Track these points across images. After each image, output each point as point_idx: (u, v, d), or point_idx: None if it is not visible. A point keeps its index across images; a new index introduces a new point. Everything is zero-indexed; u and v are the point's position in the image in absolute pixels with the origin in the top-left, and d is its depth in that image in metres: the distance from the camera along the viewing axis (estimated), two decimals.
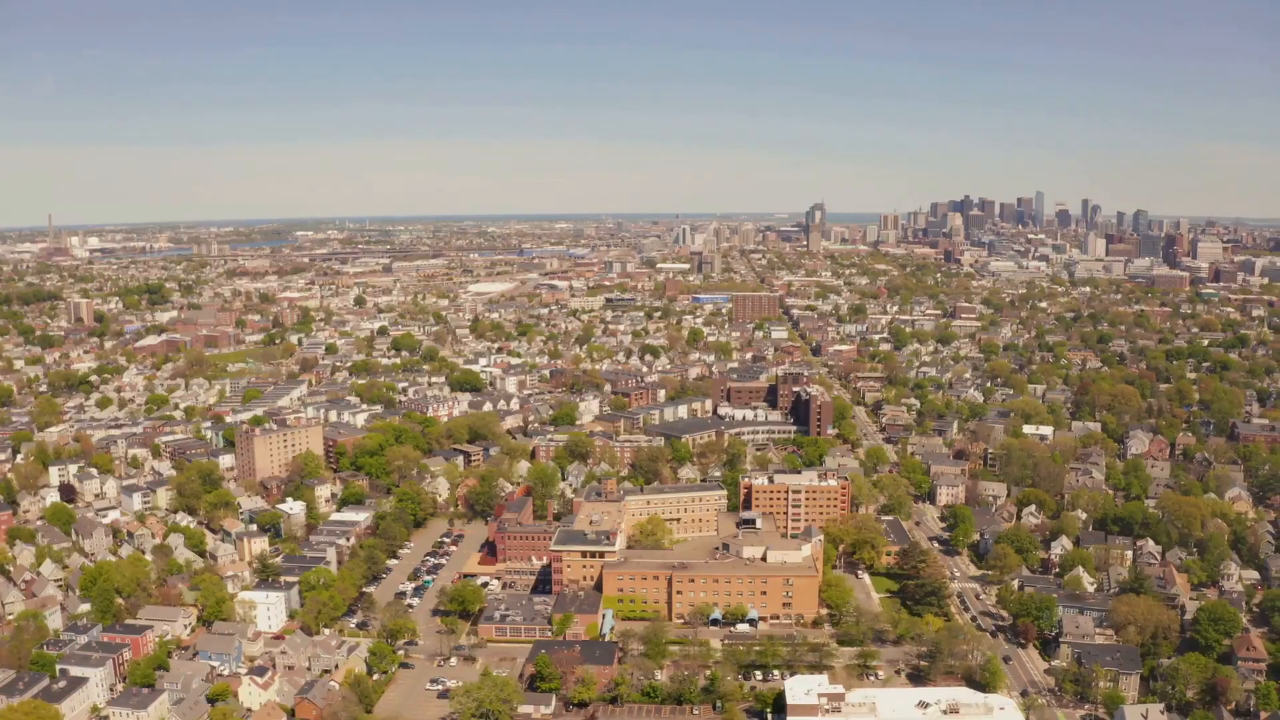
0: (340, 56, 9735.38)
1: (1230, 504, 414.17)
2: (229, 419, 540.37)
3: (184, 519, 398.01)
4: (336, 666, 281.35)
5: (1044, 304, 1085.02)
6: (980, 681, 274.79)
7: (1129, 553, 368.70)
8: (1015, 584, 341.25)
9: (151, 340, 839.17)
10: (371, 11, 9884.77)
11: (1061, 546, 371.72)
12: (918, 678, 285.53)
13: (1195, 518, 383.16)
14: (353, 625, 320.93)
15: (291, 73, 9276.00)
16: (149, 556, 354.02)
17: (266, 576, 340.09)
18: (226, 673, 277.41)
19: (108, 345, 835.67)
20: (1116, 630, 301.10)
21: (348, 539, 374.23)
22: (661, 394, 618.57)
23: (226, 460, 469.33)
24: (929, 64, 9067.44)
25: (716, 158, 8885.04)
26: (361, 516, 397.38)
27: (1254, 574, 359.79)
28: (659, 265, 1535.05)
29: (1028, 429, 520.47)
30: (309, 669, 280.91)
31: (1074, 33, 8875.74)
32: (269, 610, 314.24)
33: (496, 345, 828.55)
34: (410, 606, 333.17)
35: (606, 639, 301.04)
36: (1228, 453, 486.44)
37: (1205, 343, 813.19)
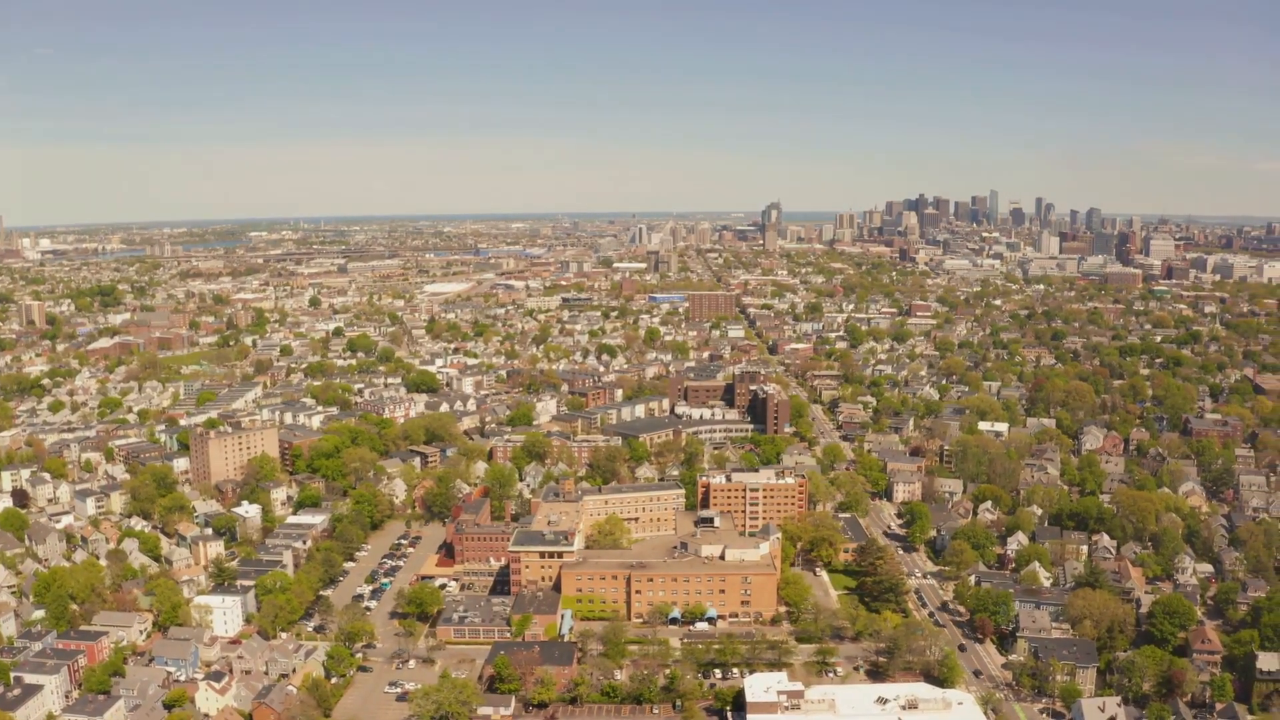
0: (293, 57, 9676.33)
1: (1184, 498, 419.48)
2: (183, 422, 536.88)
3: (138, 523, 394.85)
4: (294, 670, 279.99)
5: (998, 302, 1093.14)
6: (938, 677, 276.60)
7: (1084, 547, 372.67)
8: (972, 579, 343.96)
9: (104, 343, 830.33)
10: (323, 11, 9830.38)
11: (1018, 542, 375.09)
12: (876, 674, 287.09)
13: (1149, 512, 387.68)
14: (310, 629, 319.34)
15: (244, 73, 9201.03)
16: (103, 561, 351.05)
17: (222, 581, 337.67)
18: (183, 678, 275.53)
19: (60, 348, 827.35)
20: (1073, 624, 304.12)
21: (304, 542, 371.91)
22: (619, 393, 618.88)
23: (181, 464, 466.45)
24: (883, 62, 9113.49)
25: (673, 157, 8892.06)
26: (318, 519, 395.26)
27: (1208, 567, 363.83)
28: (615, 265, 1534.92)
29: (983, 426, 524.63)
30: (266, 673, 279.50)
31: (1026, 30, 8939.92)
32: (225, 615, 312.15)
33: (453, 346, 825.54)
34: (368, 609, 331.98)
35: (565, 639, 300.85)
36: (1181, 448, 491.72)
37: (1158, 339, 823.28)
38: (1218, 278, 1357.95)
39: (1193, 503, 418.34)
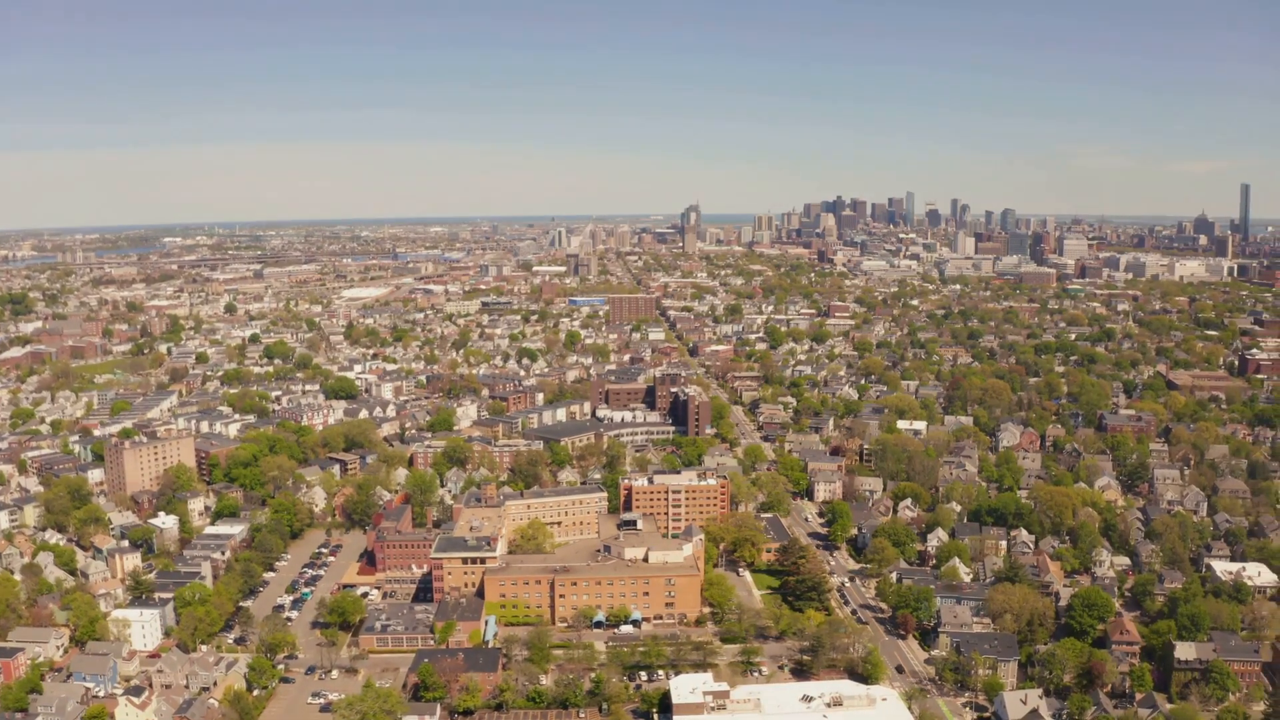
0: (204, 61, 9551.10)
1: (1100, 493, 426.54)
2: (97, 432, 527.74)
3: (53, 536, 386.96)
4: (215, 683, 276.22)
5: (915, 302, 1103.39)
6: (862, 673, 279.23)
7: (1003, 543, 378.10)
8: (894, 576, 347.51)
9: (15, 352, 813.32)
10: (237, 14, 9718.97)
11: (938, 538, 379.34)
12: (801, 672, 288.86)
13: (1066, 507, 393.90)
14: (230, 641, 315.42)
15: (156, 76, 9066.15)
16: (18, 576, 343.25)
17: (140, 594, 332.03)
18: (102, 694, 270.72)
19: None
20: (993, 619, 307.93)
21: (223, 552, 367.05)
22: (540, 397, 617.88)
23: (96, 475, 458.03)
24: (800, 64, 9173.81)
25: (592, 160, 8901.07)
26: (236, 529, 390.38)
27: (1124, 560, 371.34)
28: (535, 268, 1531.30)
29: (902, 424, 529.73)
30: (187, 687, 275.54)
31: (939, 31, 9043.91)
32: (144, 628, 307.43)
33: (372, 351, 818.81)
34: (289, 620, 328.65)
35: (490, 645, 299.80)
36: (1096, 443, 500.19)
37: (1072, 337, 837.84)
38: (1130, 276, 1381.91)
39: (1109, 497, 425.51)
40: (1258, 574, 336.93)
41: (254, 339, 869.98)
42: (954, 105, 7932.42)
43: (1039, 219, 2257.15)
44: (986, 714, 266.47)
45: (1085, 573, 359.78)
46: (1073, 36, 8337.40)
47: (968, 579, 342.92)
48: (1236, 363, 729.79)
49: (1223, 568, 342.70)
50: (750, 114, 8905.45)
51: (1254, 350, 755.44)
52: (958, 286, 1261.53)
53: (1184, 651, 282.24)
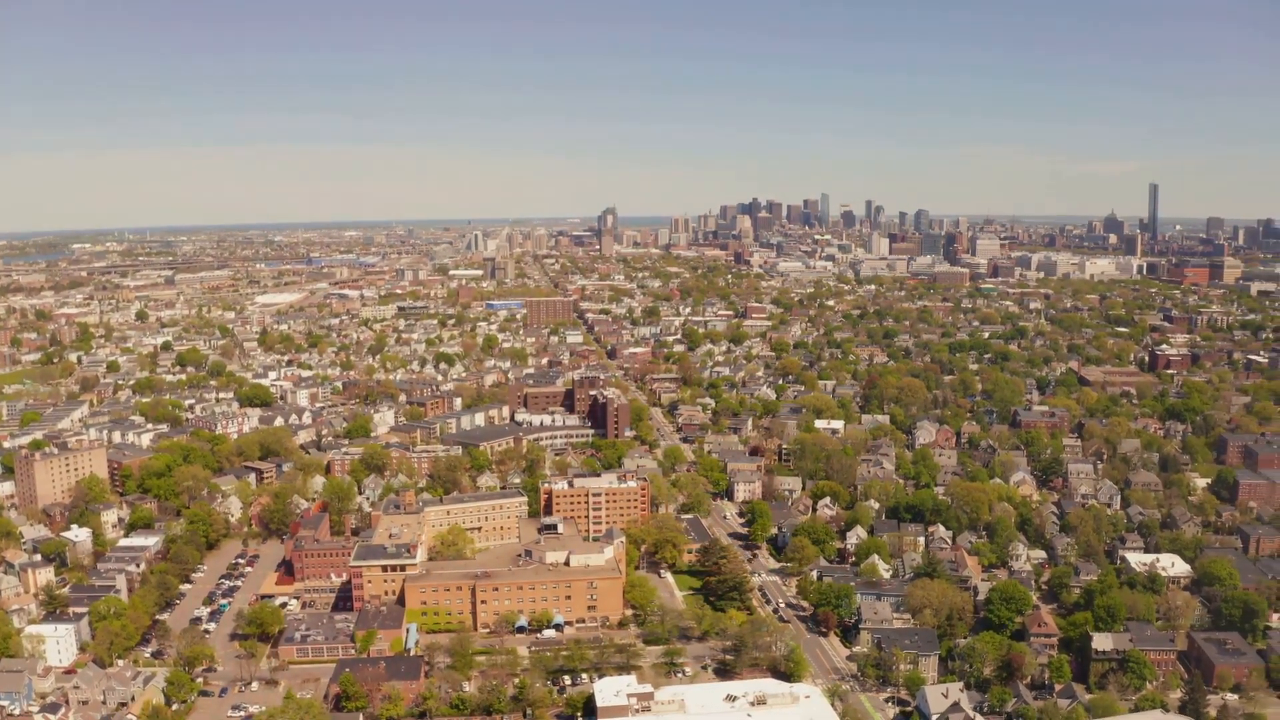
0: (109, 62, 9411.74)
1: (1015, 488, 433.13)
2: (6, 444, 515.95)
3: None
4: (133, 698, 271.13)
5: (831, 302, 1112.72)
6: (785, 672, 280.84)
7: (921, 539, 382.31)
8: (814, 575, 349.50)
9: None
10: (145, 18, 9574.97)
11: (857, 536, 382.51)
12: (724, 672, 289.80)
13: (983, 502, 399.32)
14: (148, 655, 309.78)
15: (58, 82, 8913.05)
16: None
17: (54, 608, 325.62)
18: (17, 712, 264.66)
19: None
20: (913, 614, 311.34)
21: (138, 565, 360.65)
22: (458, 402, 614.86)
23: (5, 488, 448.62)
24: (715, 65, 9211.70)
25: (508, 163, 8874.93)
26: (151, 541, 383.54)
27: (1041, 553, 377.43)
28: (452, 272, 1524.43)
29: (820, 424, 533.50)
30: (104, 703, 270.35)
31: (854, 31, 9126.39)
32: (58, 644, 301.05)
33: (286, 358, 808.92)
34: (207, 632, 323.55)
35: (411, 653, 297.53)
36: (1011, 439, 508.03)
37: (986, 335, 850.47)
38: (1042, 275, 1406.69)
39: (1024, 492, 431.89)
40: (1171, 564, 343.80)
41: (166, 347, 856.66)
42: (868, 106, 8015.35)
43: (952, 219, 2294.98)
44: (908, 708, 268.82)
45: (1002, 567, 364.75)
46: (983, 36, 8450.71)
47: (887, 575, 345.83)
48: (1146, 358, 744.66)
49: (1137, 559, 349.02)
50: (666, 116, 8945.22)
51: (1163, 346, 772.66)
52: (873, 287, 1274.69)
53: (1101, 642, 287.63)
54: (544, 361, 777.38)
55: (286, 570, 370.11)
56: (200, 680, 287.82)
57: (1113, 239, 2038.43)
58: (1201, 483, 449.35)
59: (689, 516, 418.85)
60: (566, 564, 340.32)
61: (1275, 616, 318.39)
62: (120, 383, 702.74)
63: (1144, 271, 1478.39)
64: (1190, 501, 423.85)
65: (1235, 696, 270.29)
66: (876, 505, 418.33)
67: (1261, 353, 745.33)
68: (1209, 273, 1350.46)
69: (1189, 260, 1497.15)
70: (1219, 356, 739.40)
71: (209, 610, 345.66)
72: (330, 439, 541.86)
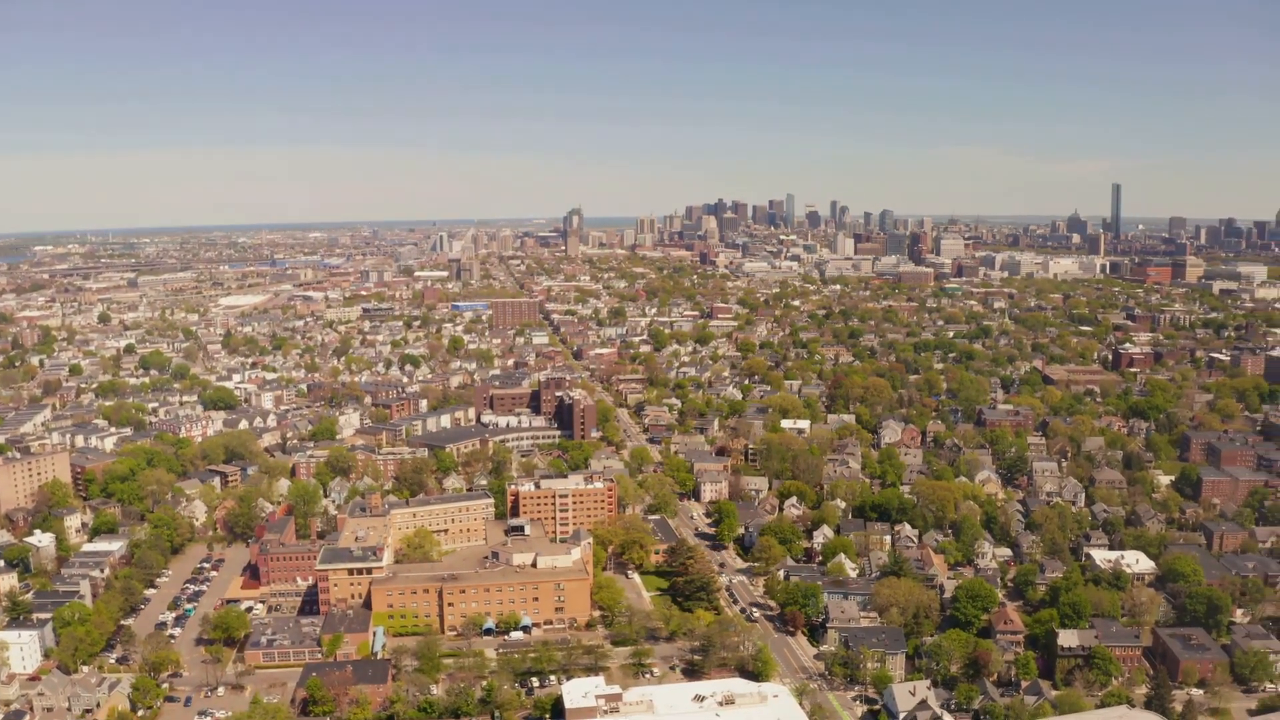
0: (72, 68, 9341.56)
1: (980, 486, 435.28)
2: None
3: None
4: (99, 705, 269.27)
5: (797, 302, 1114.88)
6: (753, 671, 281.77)
7: (887, 538, 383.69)
8: (781, 574, 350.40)
9: None
10: (105, 22, 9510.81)
11: (823, 535, 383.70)
12: (692, 672, 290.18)
13: (948, 501, 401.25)
14: (113, 661, 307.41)
15: (19, 84, 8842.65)
16: None
17: (17, 615, 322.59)
18: None
19: None
20: (880, 612, 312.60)
21: (102, 570, 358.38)
22: (423, 404, 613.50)
23: None
24: (680, 66, 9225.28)
25: (473, 163, 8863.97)
26: (115, 546, 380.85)
27: (1006, 551, 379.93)
28: (417, 273, 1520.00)
29: (786, 424, 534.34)
30: (69, 710, 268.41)
31: (818, 31, 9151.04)
32: (22, 650, 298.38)
33: (251, 360, 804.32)
34: (172, 637, 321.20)
35: (379, 657, 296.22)
36: (976, 438, 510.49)
37: (950, 335, 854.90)
38: (1006, 275, 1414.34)
39: (989, 490, 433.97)
40: (1135, 561, 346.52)
41: (129, 349, 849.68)
42: (833, 106, 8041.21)
43: (916, 220, 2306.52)
44: (876, 706, 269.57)
45: (968, 565, 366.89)
46: (948, 36, 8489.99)
47: (854, 574, 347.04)
48: (1110, 357, 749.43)
49: (1101, 556, 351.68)
50: (632, 116, 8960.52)
51: (1127, 345, 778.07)
52: (838, 287, 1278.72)
53: (1066, 639, 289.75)
54: (510, 363, 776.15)
55: (252, 574, 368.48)
56: (166, 686, 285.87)
57: (1076, 239, 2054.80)
58: (1165, 480, 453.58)
59: (656, 517, 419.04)
60: (534, 566, 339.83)
61: (1239, 612, 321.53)
62: (83, 386, 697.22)
63: (1107, 271, 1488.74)
64: (1154, 499, 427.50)
65: (1200, 692, 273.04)
66: (843, 505, 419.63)
67: (1223, 351, 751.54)
68: (1171, 272, 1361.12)
69: (1152, 259, 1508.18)
70: (1181, 355, 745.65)
71: (174, 615, 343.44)
72: (295, 442, 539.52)
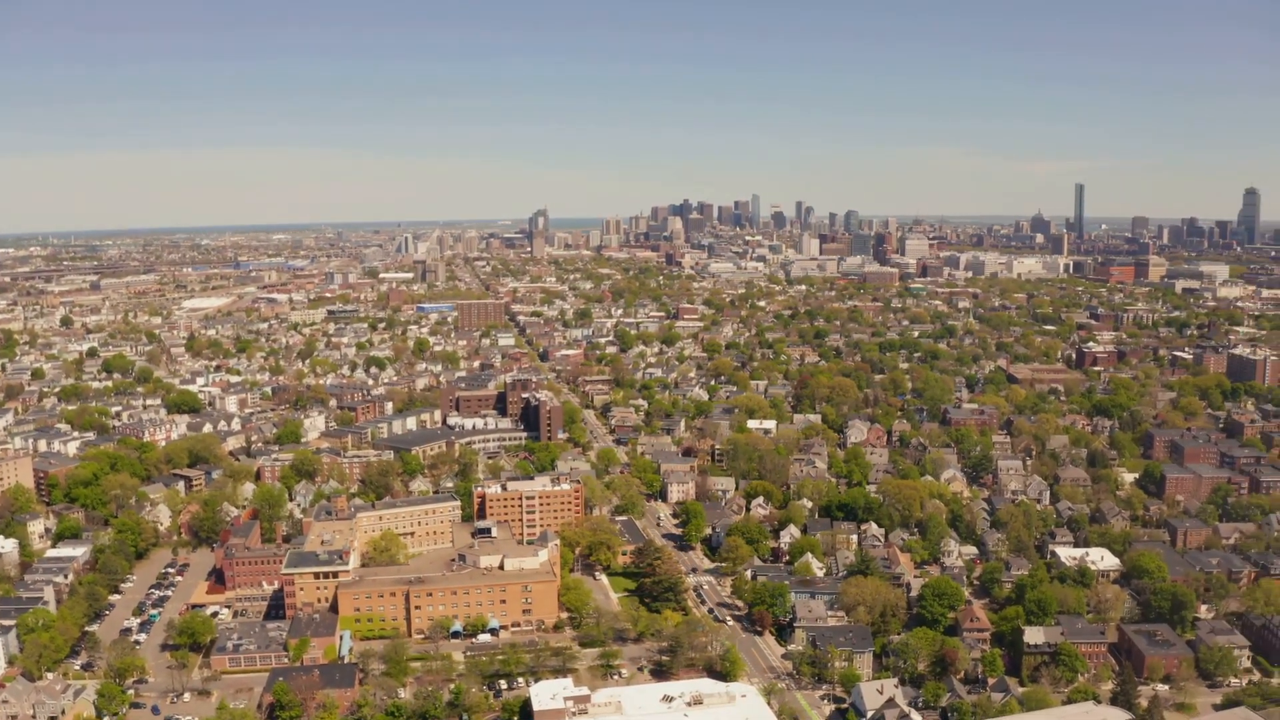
0: (34, 69, 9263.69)
1: (946, 485, 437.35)
2: None
3: None
4: (63, 712, 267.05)
5: (763, 303, 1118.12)
6: (721, 671, 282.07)
7: (854, 537, 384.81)
8: (748, 574, 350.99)
9: None
10: (68, 24, 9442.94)
11: (790, 535, 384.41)
12: (660, 673, 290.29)
13: (914, 500, 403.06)
14: (77, 667, 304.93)
15: None
16: None
17: None
18: None
19: None
20: (847, 611, 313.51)
21: (66, 576, 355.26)
22: (389, 406, 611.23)
23: None
24: (644, 67, 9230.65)
25: (438, 165, 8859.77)
26: (79, 551, 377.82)
27: (972, 549, 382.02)
28: (382, 275, 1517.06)
29: (752, 424, 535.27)
30: (34, 717, 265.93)
31: (783, 31, 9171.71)
32: None
33: (214, 363, 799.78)
34: (137, 643, 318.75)
35: (346, 661, 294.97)
36: (941, 437, 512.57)
37: (916, 334, 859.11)
38: (970, 274, 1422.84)
39: (955, 489, 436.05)
40: (1100, 558, 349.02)
41: (92, 353, 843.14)
42: (798, 106, 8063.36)
43: (881, 220, 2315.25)
44: (844, 705, 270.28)
45: (935, 563, 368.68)
46: (911, 36, 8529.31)
47: (821, 574, 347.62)
48: (1074, 356, 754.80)
49: (1067, 553, 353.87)
50: (597, 118, 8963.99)
51: (1090, 344, 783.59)
52: (803, 287, 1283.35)
53: (1033, 636, 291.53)
54: (476, 365, 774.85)
55: (217, 579, 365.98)
56: (132, 692, 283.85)
57: (1040, 239, 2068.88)
58: (1129, 477, 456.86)
59: (623, 518, 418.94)
60: (501, 568, 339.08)
61: (1203, 608, 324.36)
62: (45, 390, 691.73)
63: (1071, 270, 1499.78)
64: (1118, 496, 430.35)
65: (1166, 687, 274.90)
66: (809, 504, 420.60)
67: (1186, 349, 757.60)
68: (1134, 271, 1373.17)
69: (1115, 259, 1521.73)
70: (1145, 353, 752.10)
71: (139, 621, 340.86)
72: (260, 445, 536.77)
